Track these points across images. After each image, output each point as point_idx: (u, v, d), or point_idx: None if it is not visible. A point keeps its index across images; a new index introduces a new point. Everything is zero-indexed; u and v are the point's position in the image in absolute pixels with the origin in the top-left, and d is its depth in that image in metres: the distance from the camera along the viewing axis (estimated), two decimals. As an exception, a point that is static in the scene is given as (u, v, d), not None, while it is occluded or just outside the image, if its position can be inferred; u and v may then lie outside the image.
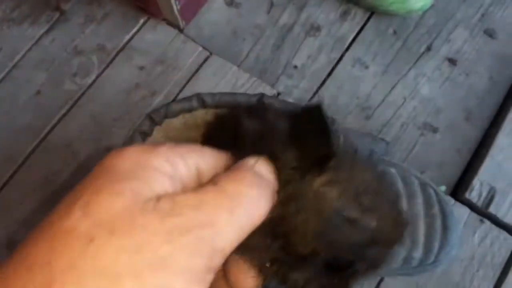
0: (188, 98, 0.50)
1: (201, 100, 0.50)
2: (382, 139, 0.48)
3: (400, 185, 0.63)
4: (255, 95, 0.49)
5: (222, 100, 0.49)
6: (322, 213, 0.25)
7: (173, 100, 0.50)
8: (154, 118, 0.51)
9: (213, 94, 0.50)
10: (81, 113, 0.79)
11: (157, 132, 0.51)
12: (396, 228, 0.29)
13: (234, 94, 0.50)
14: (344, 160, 0.28)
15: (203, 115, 0.51)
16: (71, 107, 0.79)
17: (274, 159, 0.27)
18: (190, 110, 0.50)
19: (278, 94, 0.77)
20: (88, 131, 0.78)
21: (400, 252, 0.61)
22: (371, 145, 0.46)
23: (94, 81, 0.81)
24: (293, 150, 0.27)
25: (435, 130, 0.76)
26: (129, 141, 0.51)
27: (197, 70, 0.80)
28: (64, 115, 0.79)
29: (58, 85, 0.81)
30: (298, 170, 0.27)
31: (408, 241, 0.61)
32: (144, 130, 0.51)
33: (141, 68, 0.81)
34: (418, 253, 0.61)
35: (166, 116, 0.51)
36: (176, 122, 0.51)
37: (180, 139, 0.54)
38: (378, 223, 0.26)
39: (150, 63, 0.81)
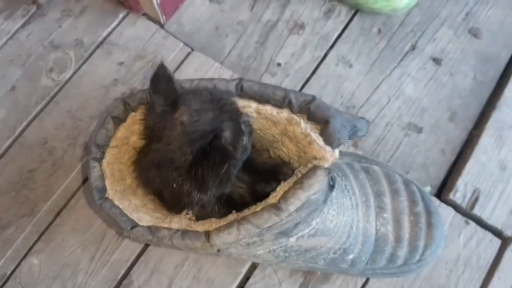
0: (165, 85, 0.49)
1: (180, 86, 0.48)
2: (363, 118, 0.47)
3: (384, 182, 0.62)
4: (233, 79, 0.48)
5: (201, 86, 0.48)
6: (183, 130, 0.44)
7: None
8: (130, 103, 0.49)
9: (191, 80, 0.48)
10: (58, 109, 0.76)
11: (132, 119, 0.49)
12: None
13: (212, 79, 0.48)
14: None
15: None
16: (47, 103, 0.76)
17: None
18: (167, 97, 0.49)
19: (261, 91, 0.75)
20: (65, 128, 0.75)
21: (385, 250, 0.59)
22: (352, 121, 0.44)
23: (71, 77, 0.78)
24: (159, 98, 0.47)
25: (419, 130, 0.74)
26: (101, 125, 0.49)
27: (178, 67, 0.78)
28: (40, 111, 0.76)
29: (34, 80, 0.78)
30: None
31: (392, 238, 0.60)
32: (118, 115, 0.48)
33: (120, 63, 0.78)
34: (402, 251, 0.60)
35: (142, 102, 0.49)
36: (151, 109, 0.49)
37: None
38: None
39: (130, 58, 0.79)
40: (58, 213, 0.70)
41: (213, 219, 0.47)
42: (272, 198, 0.44)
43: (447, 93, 0.76)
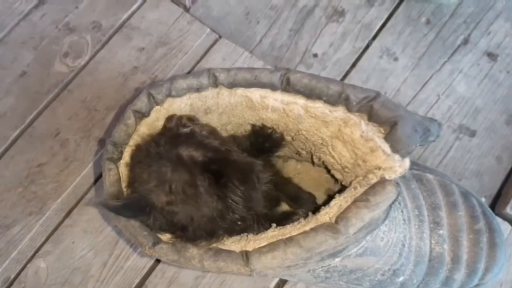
0: (197, 74, 0.40)
1: (213, 77, 0.40)
2: (434, 119, 0.38)
3: (439, 194, 0.53)
4: (278, 69, 0.39)
5: (239, 78, 0.39)
6: None
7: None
8: (154, 96, 0.40)
9: (228, 70, 0.39)
10: (71, 98, 0.69)
11: (156, 114, 0.41)
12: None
13: (253, 69, 0.39)
14: None
15: (214, 97, 0.40)
16: (61, 91, 0.69)
17: None
18: (198, 88, 0.40)
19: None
20: (78, 119, 0.68)
21: (440, 272, 0.50)
22: (425, 123, 0.36)
23: (87, 63, 0.71)
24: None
25: (472, 133, 0.65)
26: (121, 120, 0.41)
27: (204, 55, 0.70)
28: (52, 100, 0.69)
29: (47, 66, 0.71)
30: None
31: (449, 259, 0.51)
32: (140, 109, 0.40)
33: (141, 50, 0.70)
34: (459, 274, 0.51)
35: (169, 94, 0.40)
36: (181, 102, 0.40)
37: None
38: None
39: (151, 44, 0.71)
40: (69, 213, 0.63)
41: (250, 235, 0.38)
42: (325, 215, 0.35)
43: (504, 93, 0.67)
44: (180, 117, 0.40)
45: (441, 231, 0.51)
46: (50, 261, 0.61)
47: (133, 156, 0.41)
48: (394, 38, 0.70)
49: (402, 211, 0.50)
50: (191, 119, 0.40)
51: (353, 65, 0.69)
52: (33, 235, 0.62)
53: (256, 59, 0.68)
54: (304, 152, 0.48)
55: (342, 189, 0.40)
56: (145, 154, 0.39)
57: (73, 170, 0.65)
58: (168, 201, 0.37)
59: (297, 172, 0.59)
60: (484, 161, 0.64)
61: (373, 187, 0.34)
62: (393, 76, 0.68)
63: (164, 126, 0.41)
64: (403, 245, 0.48)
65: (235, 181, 0.37)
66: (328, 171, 0.48)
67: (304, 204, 0.53)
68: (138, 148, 0.41)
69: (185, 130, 0.39)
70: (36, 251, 0.62)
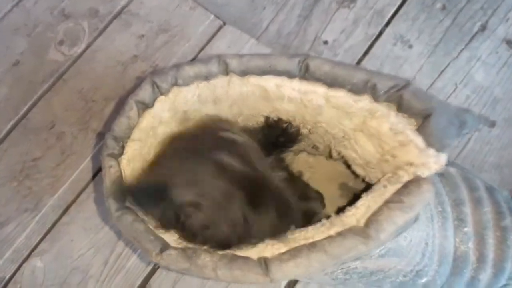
0: (205, 60, 0.36)
1: (223, 64, 0.35)
2: (470, 110, 0.34)
3: (463, 189, 0.49)
4: (296, 55, 0.35)
5: (252, 65, 0.35)
6: None
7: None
8: (159, 84, 0.36)
9: (240, 56, 0.35)
10: (67, 88, 0.65)
11: (161, 105, 0.37)
12: None
13: (268, 56, 0.35)
14: None
15: (224, 86, 0.36)
16: (56, 81, 0.66)
17: None
18: (207, 76, 0.36)
19: (305, 73, 0.62)
20: (75, 110, 0.64)
21: (464, 273, 0.47)
22: (461, 115, 0.32)
23: (83, 51, 0.67)
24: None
25: (491, 124, 0.62)
26: (122, 112, 0.37)
27: (207, 42, 0.66)
28: (47, 90, 0.65)
29: (41, 54, 0.67)
30: None
31: (474, 259, 0.47)
32: (143, 99, 0.36)
33: (141, 37, 0.67)
34: (485, 275, 0.47)
35: (175, 83, 0.36)
36: (188, 92, 0.36)
37: (191, 116, 0.39)
38: None
39: (151, 32, 0.67)
40: (66, 209, 0.60)
41: (266, 240, 0.34)
42: (351, 216, 0.32)
43: (524, 82, 0.63)
44: (219, 119, 0.36)
45: (465, 229, 0.47)
46: (47, 260, 0.58)
47: (172, 141, 0.38)
48: (408, 24, 0.66)
49: (424, 207, 0.46)
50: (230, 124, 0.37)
51: (366, 52, 0.65)
52: (29, 233, 0.59)
53: (263, 47, 0.65)
54: (321, 146, 0.44)
55: (366, 186, 0.36)
56: (184, 145, 0.36)
57: (70, 164, 0.62)
58: (193, 202, 0.33)
59: (309, 165, 0.55)
60: (504, 154, 0.61)
61: (406, 186, 0.30)
62: (408, 63, 0.64)
63: (203, 123, 0.38)
64: (426, 244, 0.45)
65: (270, 211, 0.35)
66: (347, 166, 0.44)
67: (311, 203, 0.50)
68: (180, 136, 0.38)
69: (226, 135, 0.36)
70: (32, 250, 0.58)
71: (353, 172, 0.43)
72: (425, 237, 0.45)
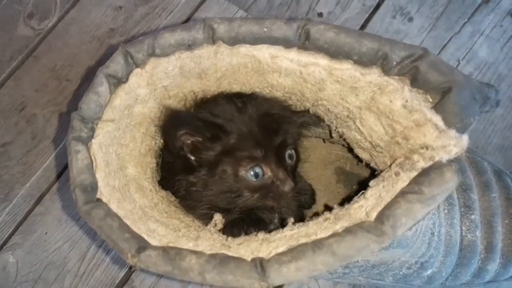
0: (188, 26, 0.30)
1: (209, 30, 0.30)
2: (492, 85, 0.30)
3: (469, 173, 0.45)
4: (294, 20, 0.29)
5: (243, 31, 0.29)
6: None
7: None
8: (133, 55, 0.30)
9: (229, 20, 0.29)
10: (39, 66, 0.60)
11: (137, 79, 0.31)
12: None
13: (262, 20, 0.29)
14: None
15: (211, 57, 0.30)
16: (26, 58, 0.60)
17: None
18: (190, 45, 0.30)
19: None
20: (47, 91, 0.59)
21: (472, 263, 0.43)
22: (484, 90, 0.28)
23: (55, 24, 0.61)
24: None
25: (496, 103, 0.57)
26: (90, 88, 0.31)
27: (191, 14, 0.61)
28: (16, 68, 0.60)
29: (9, 29, 0.61)
30: None
31: (482, 248, 0.43)
32: (114, 72, 0.30)
33: (118, 9, 0.61)
34: (494, 265, 0.44)
35: (152, 53, 0.30)
36: (168, 64, 0.30)
37: (173, 93, 0.33)
38: None
39: (130, 3, 0.61)
40: (40, 199, 0.56)
41: (260, 234, 0.29)
42: (359, 208, 0.27)
43: (530, 57, 0.59)
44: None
45: (473, 216, 0.43)
46: (20, 255, 0.54)
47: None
48: (408, -5, 0.61)
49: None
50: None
51: (363, 25, 0.61)
52: (-1, 225, 0.55)
53: (252, 20, 0.59)
54: (320, 127, 0.39)
55: (372, 173, 0.31)
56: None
57: (42, 150, 0.57)
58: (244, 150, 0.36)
59: (303, 149, 0.50)
60: (509, 134, 0.57)
61: (426, 174, 0.25)
62: (408, 38, 0.60)
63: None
64: (432, 234, 0.41)
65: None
66: (349, 149, 0.39)
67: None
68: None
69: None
70: (4, 244, 0.54)
71: (356, 156, 0.38)
72: (431, 226, 0.41)
